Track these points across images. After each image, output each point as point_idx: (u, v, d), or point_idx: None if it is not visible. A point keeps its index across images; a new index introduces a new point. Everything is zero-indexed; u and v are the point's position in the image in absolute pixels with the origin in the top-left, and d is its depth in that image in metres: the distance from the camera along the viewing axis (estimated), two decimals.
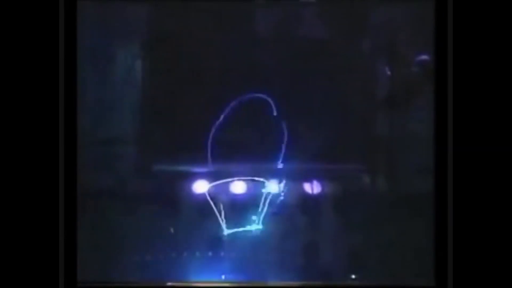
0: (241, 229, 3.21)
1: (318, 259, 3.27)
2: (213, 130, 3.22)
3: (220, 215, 3.22)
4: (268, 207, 3.23)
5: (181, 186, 3.27)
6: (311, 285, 3.16)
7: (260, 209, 3.22)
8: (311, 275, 3.21)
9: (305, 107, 3.24)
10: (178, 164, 3.29)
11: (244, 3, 3.33)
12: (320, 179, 3.31)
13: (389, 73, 3.33)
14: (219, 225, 3.22)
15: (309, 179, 3.31)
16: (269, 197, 3.23)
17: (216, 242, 3.25)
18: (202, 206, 3.24)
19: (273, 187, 3.25)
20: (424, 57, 3.23)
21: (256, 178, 3.24)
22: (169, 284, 3.07)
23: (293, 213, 3.27)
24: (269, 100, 3.23)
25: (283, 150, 3.22)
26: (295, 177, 3.26)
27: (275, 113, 3.23)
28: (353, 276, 3.22)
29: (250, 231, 3.21)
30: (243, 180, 3.25)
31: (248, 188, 3.27)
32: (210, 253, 3.26)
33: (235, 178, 3.25)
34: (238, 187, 3.27)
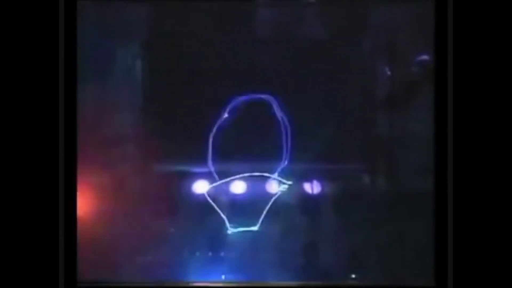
0: (241, 229, 3.21)
1: (318, 259, 3.28)
2: (213, 130, 3.22)
3: (221, 215, 3.22)
4: (268, 207, 3.23)
5: (181, 186, 3.28)
6: (311, 285, 3.16)
7: (260, 209, 3.22)
8: (311, 275, 3.21)
9: (305, 107, 3.24)
10: (178, 164, 3.29)
11: (244, 3, 3.33)
12: (320, 179, 3.31)
13: (389, 73, 3.33)
14: (220, 225, 3.21)
15: (309, 179, 3.31)
16: (269, 197, 3.23)
17: (216, 242, 3.25)
18: (202, 206, 3.24)
19: (273, 187, 3.25)
20: (424, 57, 3.23)
21: (262, 174, 3.23)
22: (169, 284, 3.08)
23: (293, 213, 3.27)
24: (269, 100, 3.23)
25: (283, 150, 3.22)
26: (295, 177, 3.26)
27: (275, 113, 3.23)
28: (353, 276, 3.23)
29: (250, 231, 3.21)
30: (248, 176, 3.24)
31: (248, 188, 3.27)
32: (210, 253, 3.26)
33: (240, 175, 3.24)
34: (239, 187, 3.27)
